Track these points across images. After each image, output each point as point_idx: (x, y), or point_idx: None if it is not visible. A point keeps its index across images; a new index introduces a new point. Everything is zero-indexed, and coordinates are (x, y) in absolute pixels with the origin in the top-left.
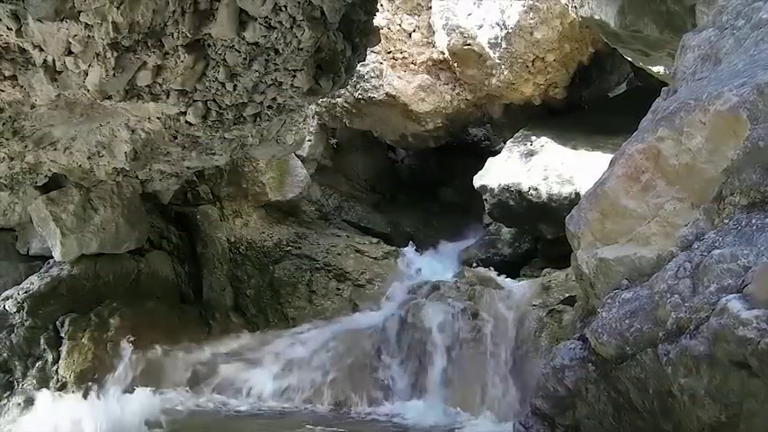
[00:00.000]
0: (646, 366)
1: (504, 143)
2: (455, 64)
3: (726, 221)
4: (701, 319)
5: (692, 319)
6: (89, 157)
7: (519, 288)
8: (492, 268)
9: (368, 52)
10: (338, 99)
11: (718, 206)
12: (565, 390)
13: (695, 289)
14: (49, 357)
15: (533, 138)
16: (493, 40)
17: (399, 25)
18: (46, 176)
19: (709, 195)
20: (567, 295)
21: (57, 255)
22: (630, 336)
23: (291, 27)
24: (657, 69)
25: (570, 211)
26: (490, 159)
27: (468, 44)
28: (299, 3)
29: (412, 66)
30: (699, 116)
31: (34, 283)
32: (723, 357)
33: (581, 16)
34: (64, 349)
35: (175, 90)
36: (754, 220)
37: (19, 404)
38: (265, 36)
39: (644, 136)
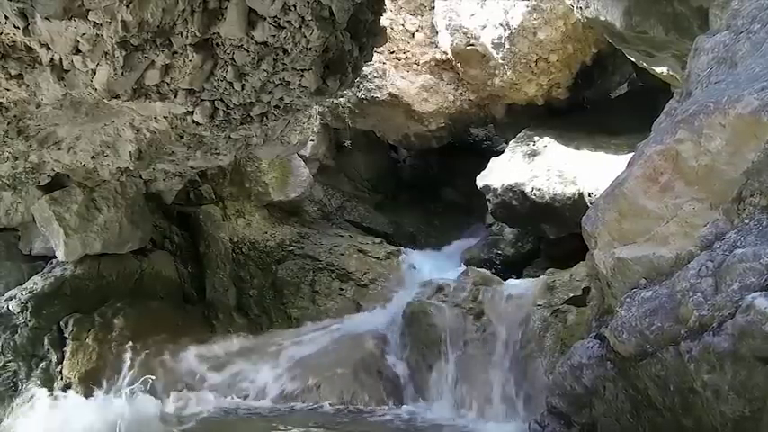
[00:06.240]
0: (667, 363)
1: (507, 143)
2: (458, 64)
3: (746, 222)
4: (724, 317)
5: (715, 316)
6: (93, 157)
7: (523, 288)
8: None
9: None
10: (341, 99)
11: (737, 207)
12: (582, 388)
13: (718, 287)
14: (53, 358)
15: (536, 138)
16: (496, 41)
17: (402, 25)
18: (49, 176)
19: (728, 196)
20: (571, 295)
21: (60, 255)
22: (651, 334)
23: (300, 27)
24: (660, 70)
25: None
26: (493, 159)
27: (472, 44)
28: (308, 2)
29: (415, 66)
30: (718, 119)
31: (38, 283)
32: (748, 353)
33: (586, 17)
34: (68, 349)
35: (183, 89)
36: None
37: (23, 405)
38: (274, 35)
39: (662, 137)
